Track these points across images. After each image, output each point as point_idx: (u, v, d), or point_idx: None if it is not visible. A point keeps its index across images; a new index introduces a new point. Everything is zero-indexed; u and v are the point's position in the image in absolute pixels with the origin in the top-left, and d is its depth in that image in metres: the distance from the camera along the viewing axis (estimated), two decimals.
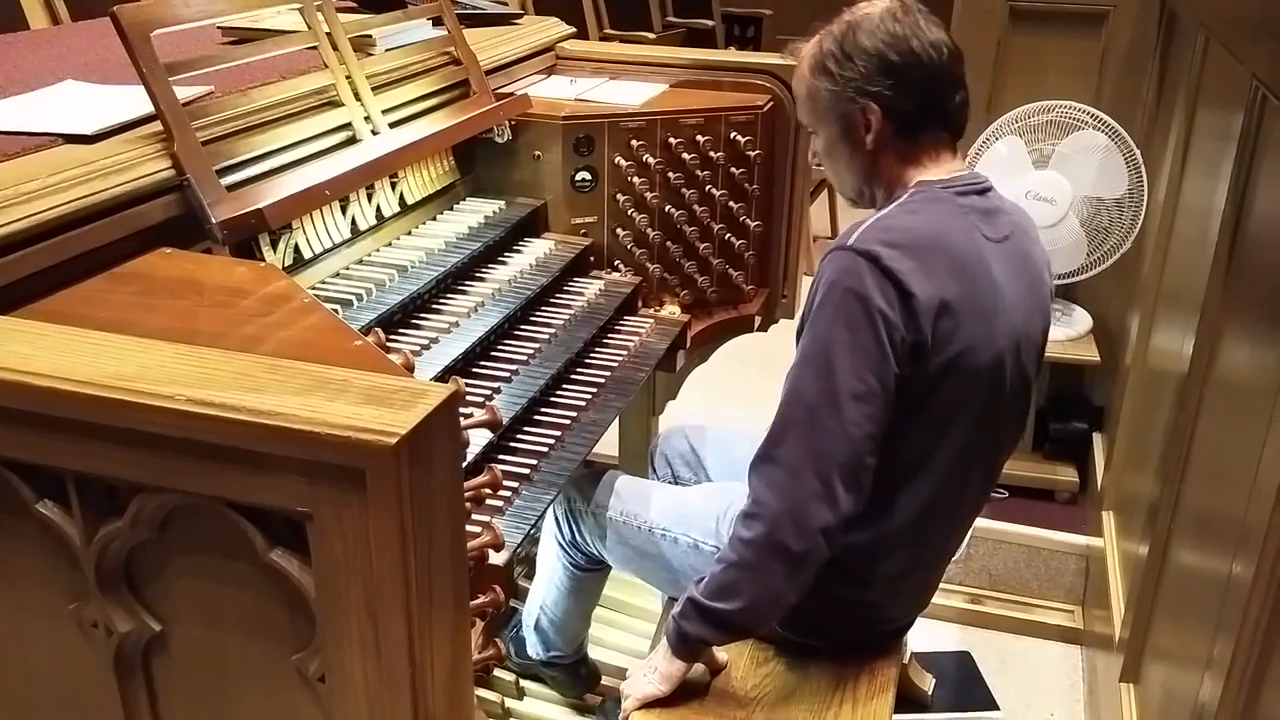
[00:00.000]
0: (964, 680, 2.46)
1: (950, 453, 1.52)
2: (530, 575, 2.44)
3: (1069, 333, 2.81)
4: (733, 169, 2.27)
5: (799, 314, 1.54)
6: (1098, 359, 2.76)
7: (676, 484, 2.03)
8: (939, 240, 1.45)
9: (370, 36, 1.96)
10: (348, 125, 1.78)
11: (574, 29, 2.65)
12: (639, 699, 1.54)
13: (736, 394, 3.38)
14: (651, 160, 2.16)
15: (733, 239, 2.30)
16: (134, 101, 1.57)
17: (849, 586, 1.57)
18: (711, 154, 2.23)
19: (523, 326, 1.93)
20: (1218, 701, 1.35)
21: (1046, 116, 2.61)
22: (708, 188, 2.24)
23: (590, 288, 2.11)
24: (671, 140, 2.19)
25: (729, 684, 1.58)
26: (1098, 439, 2.83)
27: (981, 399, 1.50)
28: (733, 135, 2.25)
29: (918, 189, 1.52)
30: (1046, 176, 2.58)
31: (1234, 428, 1.56)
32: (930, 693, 2.33)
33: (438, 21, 2.13)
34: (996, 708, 2.38)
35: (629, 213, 2.18)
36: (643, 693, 1.54)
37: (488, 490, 1.46)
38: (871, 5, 1.52)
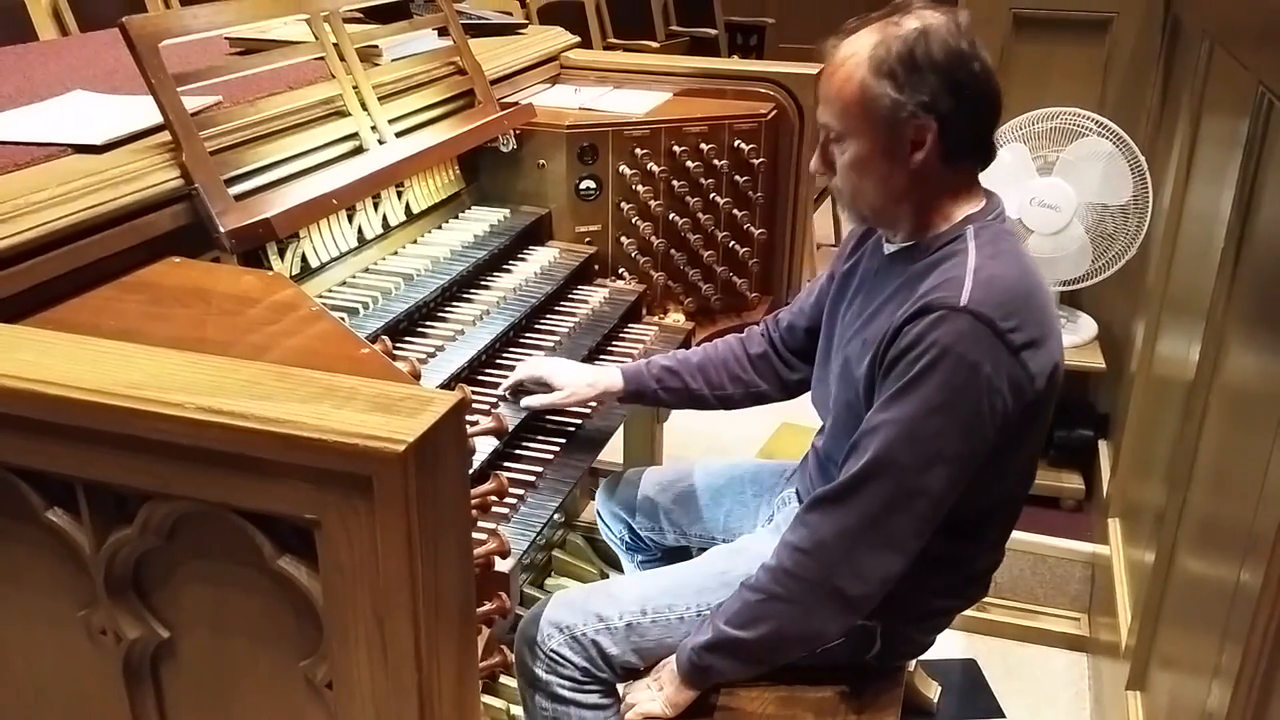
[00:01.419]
0: (970, 688, 2.45)
1: (1032, 472, 1.57)
2: (535, 583, 2.45)
3: (1074, 340, 2.80)
4: (736, 176, 2.27)
5: (871, 354, 1.44)
6: (1103, 366, 2.75)
7: (634, 536, 1.97)
8: (1031, 285, 1.42)
9: (376, 47, 1.97)
10: (354, 135, 1.79)
11: (578, 38, 2.66)
12: (642, 714, 1.54)
13: None
14: (655, 168, 2.17)
15: (737, 246, 2.31)
16: (142, 111, 1.57)
17: (924, 600, 1.57)
18: (715, 162, 2.23)
19: (528, 334, 1.93)
20: (1225, 710, 1.34)
21: (1050, 123, 2.61)
22: (711, 195, 2.25)
23: (595, 296, 2.11)
24: (675, 148, 2.20)
25: (733, 693, 1.58)
26: (1103, 446, 2.82)
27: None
28: (736, 143, 2.25)
29: (975, 225, 1.45)
30: (1051, 183, 2.58)
31: (1240, 434, 1.56)
32: (936, 701, 2.33)
33: (443, 32, 2.14)
34: (1003, 716, 2.37)
35: (633, 221, 2.19)
36: (647, 710, 1.54)
37: (494, 497, 1.47)
38: (929, 14, 1.39)
